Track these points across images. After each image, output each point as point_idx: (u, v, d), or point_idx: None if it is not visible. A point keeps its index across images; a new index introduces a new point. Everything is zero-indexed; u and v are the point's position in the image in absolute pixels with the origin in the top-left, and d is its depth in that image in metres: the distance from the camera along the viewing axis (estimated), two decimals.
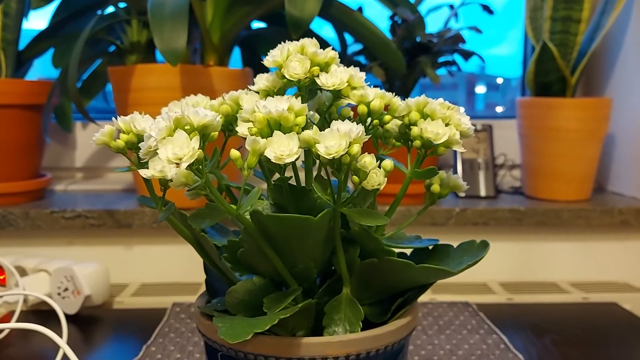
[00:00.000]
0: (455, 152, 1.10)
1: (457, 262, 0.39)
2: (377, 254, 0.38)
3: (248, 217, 0.35)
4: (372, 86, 0.40)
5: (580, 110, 0.96)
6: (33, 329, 0.43)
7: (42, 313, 0.79)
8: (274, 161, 0.33)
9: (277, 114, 0.33)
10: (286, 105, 0.34)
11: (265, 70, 1.13)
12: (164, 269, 0.93)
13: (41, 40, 0.97)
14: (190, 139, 0.30)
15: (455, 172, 1.04)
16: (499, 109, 1.52)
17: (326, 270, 0.41)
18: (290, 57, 0.38)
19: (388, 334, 0.37)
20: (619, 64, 1.07)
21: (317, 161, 0.36)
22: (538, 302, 0.86)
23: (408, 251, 0.43)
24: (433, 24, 1.02)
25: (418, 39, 0.92)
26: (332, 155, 0.32)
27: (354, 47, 1.00)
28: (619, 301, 0.85)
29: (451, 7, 0.99)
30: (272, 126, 0.34)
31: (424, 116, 0.38)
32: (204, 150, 0.32)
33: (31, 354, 0.67)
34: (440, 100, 0.39)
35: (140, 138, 0.36)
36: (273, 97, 0.41)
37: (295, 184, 0.40)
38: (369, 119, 0.39)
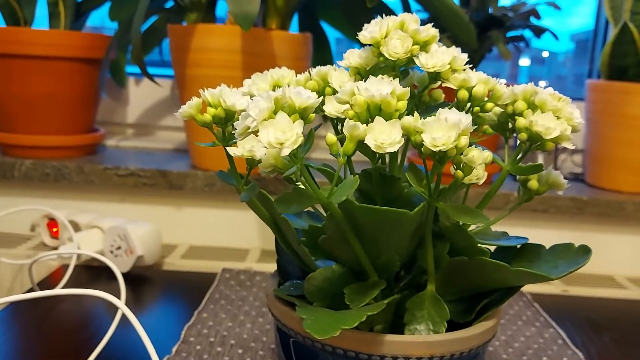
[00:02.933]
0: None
1: (551, 265, 0.37)
2: (468, 252, 0.35)
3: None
4: None
5: None
6: (95, 294, 0.42)
7: (94, 269, 0.79)
8: (373, 149, 0.30)
9: (380, 98, 0.31)
10: (390, 88, 0.31)
11: (323, 37, 1.08)
12: (213, 232, 0.92)
13: None
14: (293, 122, 0.28)
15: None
16: (542, 84, 1.45)
17: (408, 264, 0.39)
18: (390, 34, 0.35)
19: (474, 337, 0.35)
20: None
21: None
22: (594, 295, 0.83)
23: (492, 247, 0.41)
24: None
25: (490, 12, 0.87)
26: (439, 148, 0.30)
27: (418, 15, 0.96)
28: None
29: None
30: (372, 111, 0.31)
31: (531, 107, 0.35)
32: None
33: (83, 310, 0.67)
34: (550, 90, 0.35)
35: (228, 113, 0.34)
36: (364, 75, 0.38)
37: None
38: (468, 105, 0.36)
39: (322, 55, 1.01)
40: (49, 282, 0.75)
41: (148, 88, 1.10)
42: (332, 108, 0.36)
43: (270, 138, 0.27)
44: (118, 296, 0.59)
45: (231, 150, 0.29)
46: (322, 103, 0.37)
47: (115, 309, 0.47)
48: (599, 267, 0.93)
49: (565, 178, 1.03)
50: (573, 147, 0.34)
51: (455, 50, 0.36)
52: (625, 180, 0.94)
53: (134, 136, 1.13)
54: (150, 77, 0.83)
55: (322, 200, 0.32)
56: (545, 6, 0.87)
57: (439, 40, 0.84)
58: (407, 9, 0.95)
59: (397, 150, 0.38)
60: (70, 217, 0.83)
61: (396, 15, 0.37)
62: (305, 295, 0.36)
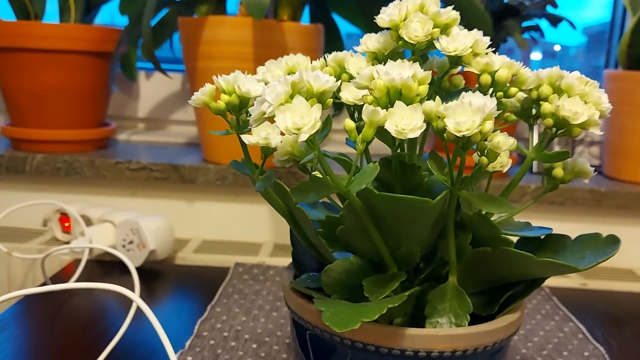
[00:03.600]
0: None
1: (578, 256, 0.36)
2: (491, 242, 0.34)
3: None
4: None
5: None
6: (109, 288, 0.41)
7: (106, 264, 0.79)
8: (394, 135, 0.29)
9: (401, 82, 0.29)
10: (410, 72, 0.30)
11: (335, 28, 1.07)
12: (225, 226, 0.91)
13: None
14: (311, 106, 0.26)
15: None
16: None
17: (429, 255, 0.38)
18: (409, 16, 0.34)
19: (498, 330, 0.34)
20: None
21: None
22: (613, 289, 0.81)
23: (514, 238, 0.39)
24: None
25: (506, 1, 0.85)
26: (462, 133, 0.28)
27: None
28: None
29: None
30: (392, 96, 0.30)
31: (557, 91, 0.34)
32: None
33: (96, 304, 0.66)
34: (577, 73, 0.34)
35: (243, 100, 0.33)
36: (382, 60, 0.37)
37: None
38: (491, 90, 0.35)
39: (334, 47, 1.00)
40: (61, 276, 0.75)
41: (159, 82, 1.09)
42: (349, 95, 0.35)
43: (288, 123, 0.26)
44: (132, 290, 0.58)
45: (245, 138, 0.28)
46: (338, 90, 0.36)
47: (128, 303, 0.47)
48: (618, 261, 0.91)
49: None
50: (601, 133, 0.33)
51: (477, 34, 0.34)
52: None
53: (146, 130, 1.12)
54: (162, 69, 0.83)
55: (341, 188, 0.31)
56: None
57: None
58: None
59: (417, 138, 0.37)
60: (82, 211, 0.83)
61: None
62: (323, 288, 0.35)
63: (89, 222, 0.82)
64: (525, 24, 0.90)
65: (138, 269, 0.77)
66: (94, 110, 0.94)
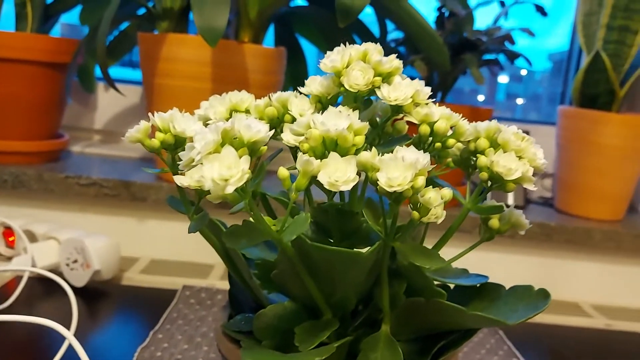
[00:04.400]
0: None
1: (511, 308, 0.36)
2: (425, 293, 0.34)
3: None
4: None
5: (627, 127, 0.91)
6: (42, 323, 0.40)
7: (50, 281, 0.76)
8: (327, 187, 0.29)
9: (336, 133, 0.29)
10: (346, 123, 0.30)
11: (299, 50, 1.07)
12: (176, 246, 0.90)
13: None
14: (240, 157, 0.26)
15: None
16: (520, 101, 1.48)
17: (366, 300, 0.37)
18: (351, 64, 0.34)
19: None
20: None
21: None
22: (559, 323, 0.83)
23: (451, 285, 0.39)
24: (479, 19, 0.96)
25: (465, 35, 0.87)
26: (394, 189, 0.28)
27: (393, 34, 0.95)
28: None
29: (502, 4, 0.94)
30: (328, 145, 0.30)
31: (494, 145, 0.34)
32: (251, 169, 0.28)
33: (34, 326, 0.64)
34: (513, 128, 0.34)
35: (178, 139, 0.32)
36: (325, 103, 0.37)
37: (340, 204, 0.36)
38: (430, 140, 0.35)
39: (297, 68, 1.00)
40: (2, 293, 0.72)
41: (117, 94, 1.07)
42: (290, 137, 0.34)
43: (215, 174, 0.25)
44: (70, 317, 0.56)
45: (178, 179, 0.28)
46: (281, 130, 0.35)
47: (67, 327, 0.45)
48: (565, 294, 0.93)
49: (534, 203, 1.02)
50: (535, 189, 0.33)
51: (418, 84, 0.35)
52: (593, 207, 0.94)
53: (101, 143, 1.10)
54: (114, 85, 0.81)
55: (273, 236, 0.30)
56: (520, 32, 0.87)
57: (412, 63, 0.83)
58: (382, 28, 0.94)
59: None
60: (26, 226, 0.80)
61: (371, 33, 0.36)
62: (254, 333, 0.34)
63: (33, 237, 0.80)
64: (486, 57, 0.92)
65: (82, 289, 0.75)
66: (46, 122, 0.92)
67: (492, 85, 1.47)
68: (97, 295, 0.75)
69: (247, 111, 0.37)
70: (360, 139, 0.30)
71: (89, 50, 0.96)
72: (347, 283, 0.34)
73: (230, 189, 0.25)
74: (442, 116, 0.34)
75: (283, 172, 0.29)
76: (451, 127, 0.35)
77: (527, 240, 0.90)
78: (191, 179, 0.28)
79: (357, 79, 0.33)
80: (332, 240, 0.36)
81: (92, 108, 1.09)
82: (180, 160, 0.30)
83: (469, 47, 0.87)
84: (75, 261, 0.75)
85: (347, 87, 0.33)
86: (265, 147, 0.29)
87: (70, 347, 0.49)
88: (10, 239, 0.82)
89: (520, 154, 0.33)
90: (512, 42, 0.87)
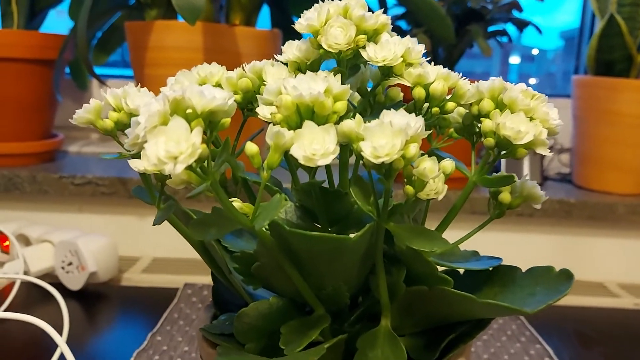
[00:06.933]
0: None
1: (527, 292, 0.31)
2: (427, 281, 0.30)
3: (267, 229, 0.27)
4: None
5: None
6: (32, 322, 0.37)
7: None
8: (302, 162, 0.24)
9: (311, 99, 0.25)
10: (323, 86, 0.25)
11: (296, 32, 1.03)
12: (177, 243, 0.86)
13: None
14: (191, 130, 0.22)
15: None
16: (532, 81, 1.43)
17: (363, 290, 0.33)
18: (330, 21, 0.29)
19: None
20: None
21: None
22: (583, 305, 0.78)
23: (460, 270, 0.35)
24: None
25: (469, 5, 0.82)
26: (381, 160, 0.24)
27: (394, 10, 0.90)
28: None
29: None
30: (303, 114, 0.26)
31: (500, 106, 0.29)
32: (211, 143, 0.24)
33: (29, 331, 0.61)
34: (522, 86, 0.30)
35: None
36: (305, 71, 0.32)
37: (327, 183, 0.32)
38: (426, 105, 0.31)
39: None
40: None
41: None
42: (267, 111, 0.30)
43: (160, 151, 0.21)
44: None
45: (133, 164, 0.24)
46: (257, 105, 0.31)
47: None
48: (589, 274, 0.87)
49: (552, 179, 0.96)
50: (550, 154, 0.29)
51: (409, 41, 0.30)
52: (615, 180, 0.89)
53: (99, 141, 1.07)
54: (99, 78, 0.77)
55: (244, 224, 0.26)
56: None
57: (414, 35, 0.79)
58: (383, 3, 0.89)
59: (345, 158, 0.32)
60: (20, 230, 0.77)
61: (370, 9, 0.31)
62: (236, 337, 0.30)
63: (27, 241, 0.77)
64: (492, 28, 0.87)
65: (78, 292, 0.71)
66: (37, 122, 0.89)
67: (504, 66, 1.42)
68: (94, 298, 0.71)
69: (219, 85, 0.33)
70: (341, 105, 0.26)
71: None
72: (337, 273, 0.29)
73: (179, 168, 0.21)
74: (438, 76, 0.30)
75: (251, 147, 0.25)
76: (450, 90, 0.31)
77: (547, 218, 0.85)
78: (147, 162, 0.24)
79: (337, 38, 0.29)
80: (319, 226, 0.32)
81: None
82: None
83: (474, 18, 0.82)
84: (70, 264, 0.72)
85: (326, 47, 0.29)
86: (229, 119, 0.25)
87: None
88: (5, 244, 0.79)
89: (530, 114, 0.29)
90: (520, 9, 0.82)
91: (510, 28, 0.89)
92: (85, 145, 1.03)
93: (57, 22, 1.03)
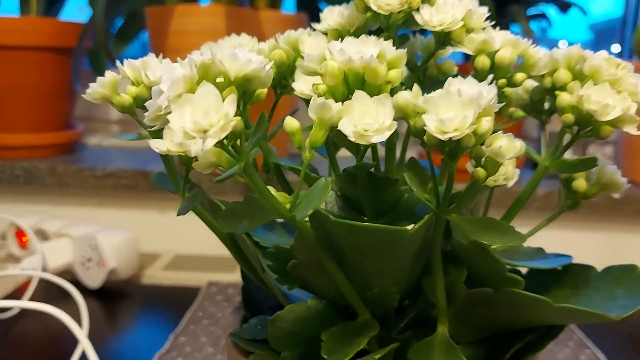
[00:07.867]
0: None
1: (606, 295, 0.27)
2: (493, 281, 0.25)
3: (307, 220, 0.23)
4: None
5: None
6: (51, 313, 0.35)
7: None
8: (352, 139, 0.20)
9: (362, 64, 0.21)
10: (376, 50, 0.21)
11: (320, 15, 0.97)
12: (201, 239, 0.82)
13: None
14: (223, 99, 0.18)
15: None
16: None
17: (414, 293, 0.29)
18: None
19: None
20: None
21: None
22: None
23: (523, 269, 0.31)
24: None
25: None
26: (449, 135, 0.20)
27: None
28: None
29: None
30: (352, 83, 0.22)
31: (579, 77, 0.25)
32: (245, 117, 0.20)
33: (48, 328, 0.58)
34: (604, 53, 0.25)
35: None
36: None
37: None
38: (491, 77, 0.26)
39: None
40: (15, 297, 0.67)
41: None
42: (304, 86, 0.26)
43: (186, 123, 0.17)
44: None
45: (154, 144, 0.20)
46: (293, 80, 0.27)
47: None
48: None
49: None
50: (638, 133, 0.24)
51: (471, 3, 0.26)
52: None
53: (120, 133, 1.04)
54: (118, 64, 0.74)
55: (284, 214, 0.22)
56: None
57: None
58: None
59: (394, 139, 0.28)
60: (38, 224, 0.74)
61: None
62: (270, 344, 0.26)
63: (45, 236, 0.74)
64: (531, 12, 0.82)
65: (98, 290, 0.68)
66: (56, 112, 0.86)
67: None
68: (113, 296, 0.68)
69: None
70: (396, 74, 0.22)
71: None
72: (386, 272, 0.25)
73: (210, 143, 0.17)
74: (505, 43, 0.25)
75: (292, 122, 0.21)
76: (518, 59, 0.26)
77: (592, 214, 0.80)
78: (171, 142, 0.20)
79: None
80: (365, 219, 0.28)
81: None
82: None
83: None
84: (90, 259, 0.69)
85: (375, 8, 0.25)
86: (265, 90, 0.21)
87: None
88: (24, 239, 0.76)
89: (616, 86, 0.24)
90: None
91: (548, 10, 0.85)
92: (105, 138, 1.00)
93: (76, 10, 1.01)
